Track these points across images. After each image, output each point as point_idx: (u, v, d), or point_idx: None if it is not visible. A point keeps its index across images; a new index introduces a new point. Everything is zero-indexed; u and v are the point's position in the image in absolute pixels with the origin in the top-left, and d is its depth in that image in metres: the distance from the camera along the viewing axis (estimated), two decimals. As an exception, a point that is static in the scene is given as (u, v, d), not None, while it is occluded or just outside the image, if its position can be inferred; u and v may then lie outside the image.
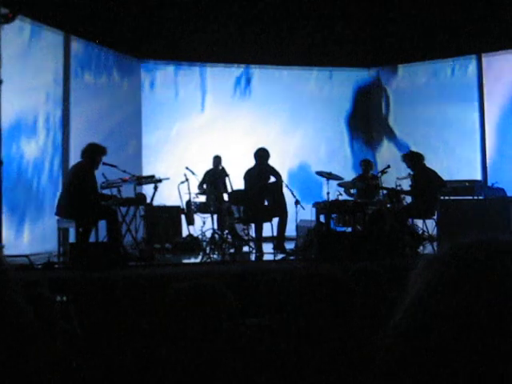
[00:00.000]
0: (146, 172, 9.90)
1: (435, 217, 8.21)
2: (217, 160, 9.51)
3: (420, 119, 11.29)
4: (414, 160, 8.20)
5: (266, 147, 8.56)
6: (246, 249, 8.38)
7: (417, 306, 0.73)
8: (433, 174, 8.14)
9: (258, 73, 11.66)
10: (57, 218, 7.66)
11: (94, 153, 7.28)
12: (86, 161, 7.29)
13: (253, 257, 8.03)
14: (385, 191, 8.32)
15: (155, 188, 7.68)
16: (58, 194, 7.74)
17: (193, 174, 8.97)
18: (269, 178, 8.37)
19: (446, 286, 0.72)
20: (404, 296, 0.77)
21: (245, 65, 11.51)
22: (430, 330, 0.71)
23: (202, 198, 9.14)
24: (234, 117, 11.33)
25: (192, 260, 8.00)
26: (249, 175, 8.35)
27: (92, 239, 7.28)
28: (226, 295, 2.12)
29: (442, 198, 8.36)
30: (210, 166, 9.65)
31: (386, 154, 11.51)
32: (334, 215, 8.51)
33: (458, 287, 0.71)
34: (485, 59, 10.66)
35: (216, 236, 8.11)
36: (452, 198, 8.53)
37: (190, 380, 1.97)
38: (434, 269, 0.75)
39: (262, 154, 8.40)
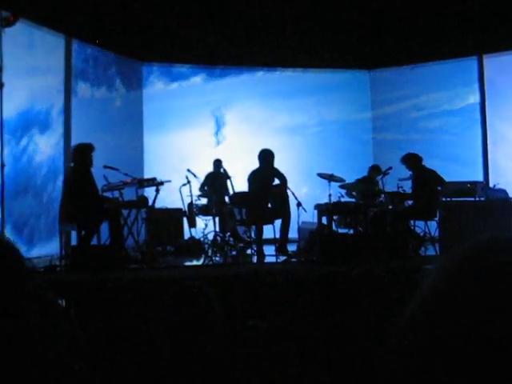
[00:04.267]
0: (147, 175, 9.88)
1: (437, 218, 8.21)
2: (217, 163, 9.50)
3: (420, 120, 11.30)
4: (412, 161, 8.22)
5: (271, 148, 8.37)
6: (248, 251, 8.36)
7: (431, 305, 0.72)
8: (432, 174, 8.16)
9: (259, 74, 11.68)
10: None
11: (83, 153, 7.16)
12: (78, 163, 7.20)
13: (255, 259, 8.01)
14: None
15: (157, 191, 7.67)
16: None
17: (194, 176, 8.97)
18: (273, 181, 8.23)
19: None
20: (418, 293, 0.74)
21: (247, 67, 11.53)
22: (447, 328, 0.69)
23: (204, 201, 9.13)
24: (239, 119, 11.34)
25: (194, 262, 7.99)
26: (253, 177, 8.21)
27: (94, 242, 7.26)
28: (211, 297, 2.11)
29: (443, 199, 8.35)
30: (210, 168, 9.65)
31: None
32: (335, 217, 8.50)
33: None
34: (486, 60, 10.66)
35: (218, 238, 8.10)
36: (454, 199, 8.51)
37: (189, 381, 1.97)
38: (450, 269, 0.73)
39: (266, 156, 8.20)
